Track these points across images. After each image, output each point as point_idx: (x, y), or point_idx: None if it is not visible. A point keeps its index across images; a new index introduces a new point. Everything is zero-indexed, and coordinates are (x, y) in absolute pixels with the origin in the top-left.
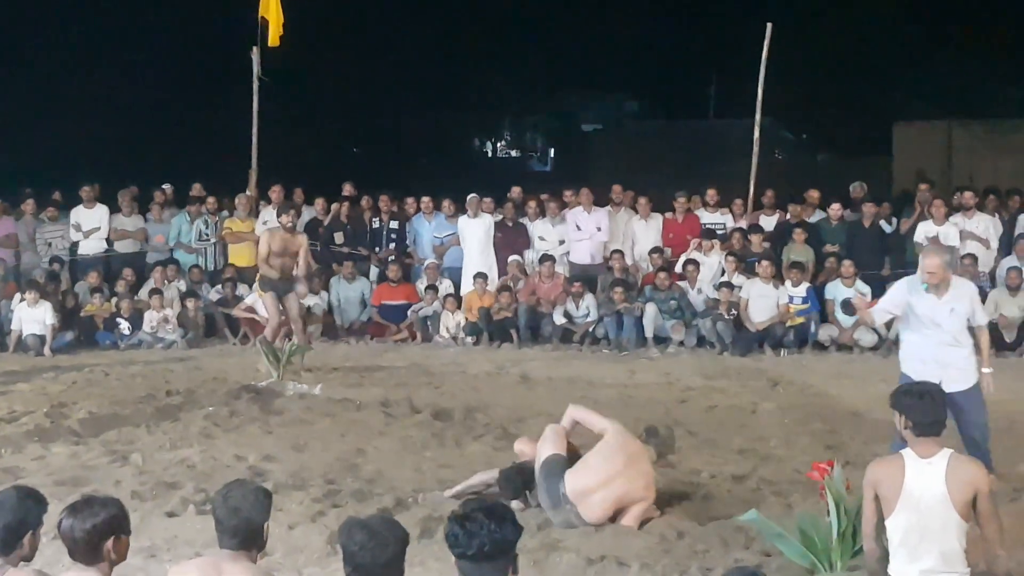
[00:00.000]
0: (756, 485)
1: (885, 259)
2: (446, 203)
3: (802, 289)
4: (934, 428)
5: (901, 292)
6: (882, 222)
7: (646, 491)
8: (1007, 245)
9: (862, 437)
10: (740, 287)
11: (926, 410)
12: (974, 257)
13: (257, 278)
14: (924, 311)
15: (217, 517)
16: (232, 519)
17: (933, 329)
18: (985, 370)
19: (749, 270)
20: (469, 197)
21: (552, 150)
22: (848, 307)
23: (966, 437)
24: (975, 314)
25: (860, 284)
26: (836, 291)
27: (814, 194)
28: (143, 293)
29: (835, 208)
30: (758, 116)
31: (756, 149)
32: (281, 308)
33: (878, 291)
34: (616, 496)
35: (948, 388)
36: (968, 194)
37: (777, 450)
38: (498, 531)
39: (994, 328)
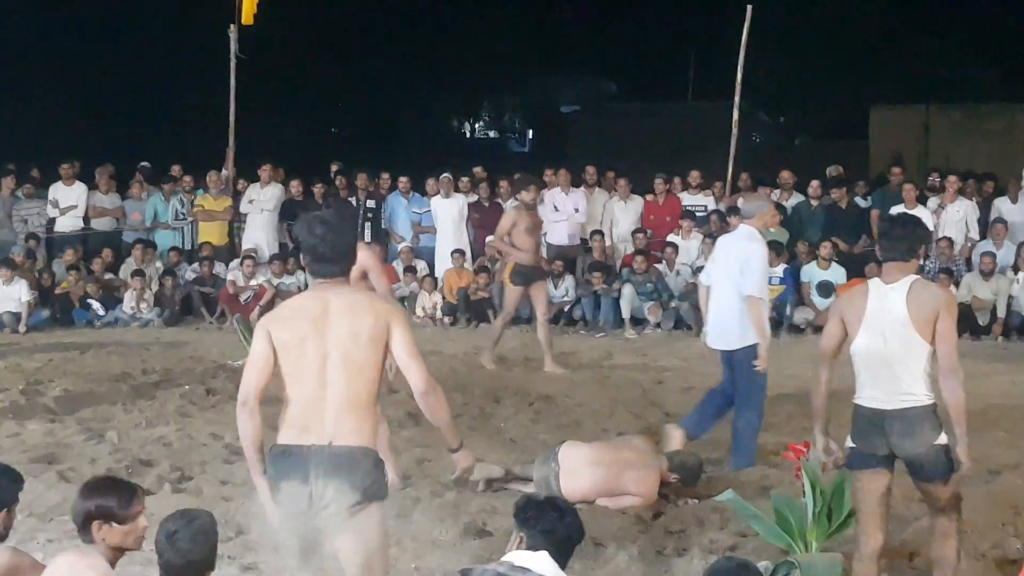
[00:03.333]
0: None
1: (862, 239)
2: (430, 182)
3: (779, 269)
4: (901, 255)
5: (764, 255)
6: (858, 199)
7: (636, 487)
8: (982, 229)
9: (838, 419)
10: None
11: (899, 236)
12: (950, 240)
13: (507, 269)
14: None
15: (164, 559)
16: (179, 561)
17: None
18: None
19: None
20: (441, 177)
21: (531, 131)
22: (827, 290)
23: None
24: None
25: (836, 267)
26: (812, 274)
27: (787, 176)
28: (121, 272)
29: (814, 186)
30: (737, 99)
31: (735, 132)
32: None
33: (853, 271)
34: (600, 479)
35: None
36: (952, 178)
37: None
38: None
39: (968, 311)
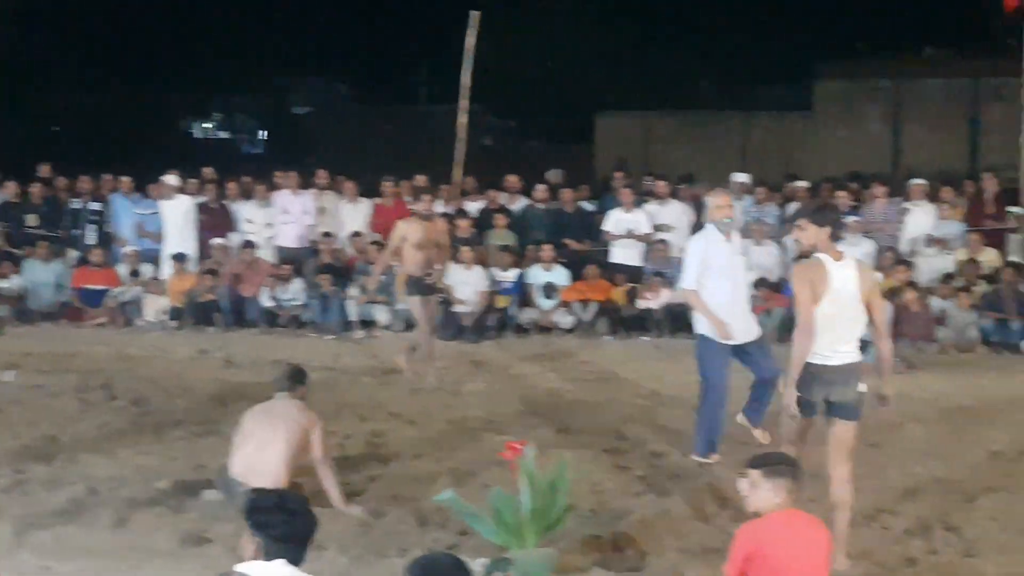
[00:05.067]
0: (456, 465)
1: (588, 241)
2: (151, 185)
3: (511, 275)
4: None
5: (699, 248)
6: (583, 203)
7: (302, 419)
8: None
9: (559, 417)
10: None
11: (839, 223)
12: (665, 242)
13: (400, 281)
14: (723, 261)
15: None
16: None
17: (731, 279)
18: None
19: (455, 255)
20: (167, 177)
21: (264, 132)
22: (551, 291)
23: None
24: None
25: (559, 268)
26: (536, 276)
27: (513, 180)
28: None
29: (540, 190)
30: (462, 102)
31: (462, 135)
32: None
33: (576, 273)
34: (279, 452)
35: (746, 338)
36: (661, 183)
37: (478, 430)
38: None
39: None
